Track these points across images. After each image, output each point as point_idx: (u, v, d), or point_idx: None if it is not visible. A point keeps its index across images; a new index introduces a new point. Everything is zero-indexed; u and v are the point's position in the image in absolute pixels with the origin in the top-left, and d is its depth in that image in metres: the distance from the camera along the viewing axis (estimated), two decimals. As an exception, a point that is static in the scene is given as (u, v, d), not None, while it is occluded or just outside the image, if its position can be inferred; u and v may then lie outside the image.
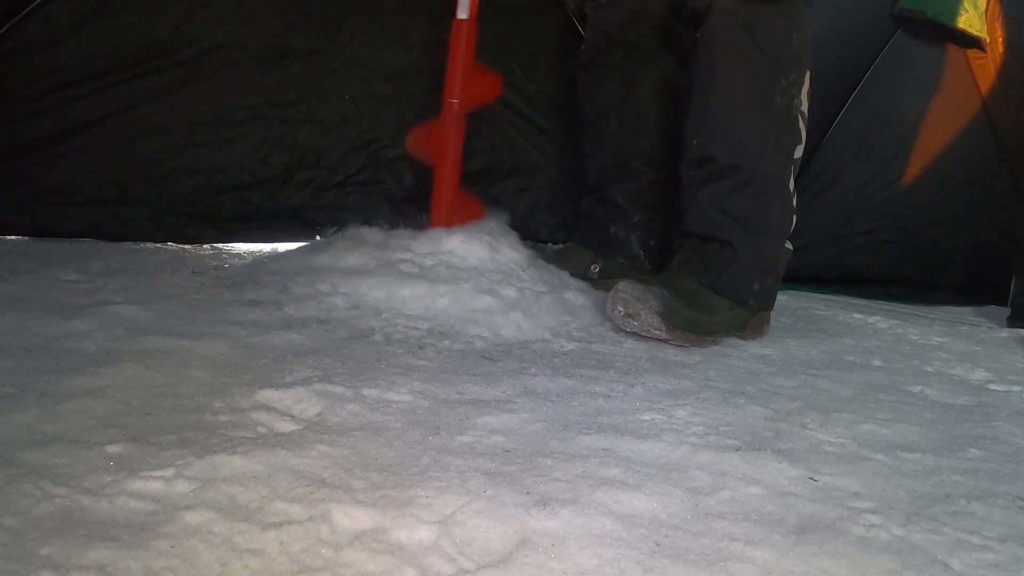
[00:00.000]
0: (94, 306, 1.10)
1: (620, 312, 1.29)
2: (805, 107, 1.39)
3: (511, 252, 1.41)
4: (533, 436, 0.81)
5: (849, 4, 2.17)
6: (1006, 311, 2.02)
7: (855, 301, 2.08)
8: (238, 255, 1.52)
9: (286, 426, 0.77)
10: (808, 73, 1.39)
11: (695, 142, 1.37)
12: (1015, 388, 1.27)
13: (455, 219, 1.44)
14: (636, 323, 1.27)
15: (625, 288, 1.30)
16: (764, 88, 1.34)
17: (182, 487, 0.63)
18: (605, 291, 1.39)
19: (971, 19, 2.15)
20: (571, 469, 0.74)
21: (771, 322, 1.48)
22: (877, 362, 1.35)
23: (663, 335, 1.27)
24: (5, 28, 1.53)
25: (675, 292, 1.30)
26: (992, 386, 1.28)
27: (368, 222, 1.48)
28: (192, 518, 0.59)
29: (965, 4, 2.13)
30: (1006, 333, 1.80)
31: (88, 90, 1.60)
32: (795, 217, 1.41)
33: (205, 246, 1.64)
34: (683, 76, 1.48)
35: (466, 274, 1.30)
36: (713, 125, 1.36)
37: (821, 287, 2.17)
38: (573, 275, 1.62)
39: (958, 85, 2.26)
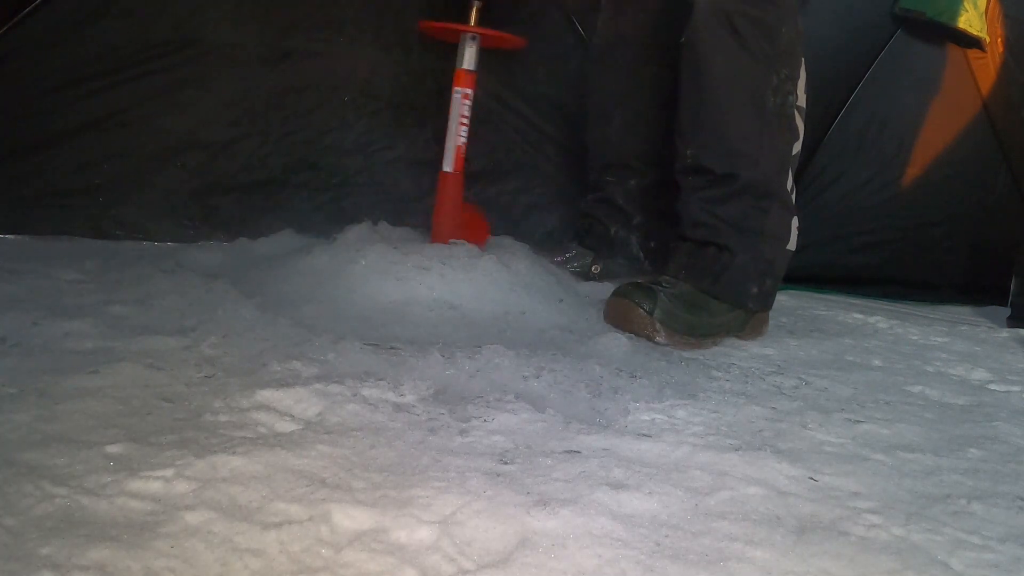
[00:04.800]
0: (94, 306, 1.10)
1: (619, 319, 1.29)
2: (802, 101, 1.36)
3: (517, 261, 1.40)
4: (533, 436, 0.81)
5: (849, 4, 2.17)
6: (1006, 311, 2.02)
7: (855, 301, 2.09)
8: (238, 256, 1.51)
9: (286, 426, 0.77)
10: (802, 65, 1.35)
11: (688, 152, 1.35)
12: (1015, 388, 1.27)
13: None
14: (635, 329, 1.27)
15: (623, 294, 1.30)
16: (755, 90, 1.31)
17: (182, 487, 0.63)
18: (606, 292, 1.39)
19: (971, 19, 2.15)
20: (571, 469, 0.74)
21: (771, 322, 1.48)
22: (877, 362, 1.35)
23: (663, 340, 1.27)
24: (5, 28, 1.53)
25: (673, 297, 1.30)
26: (992, 386, 1.28)
27: (368, 223, 1.48)
28: (192, 518, 0.59)
29: (965, 4, 2.13)
30: (1006, 333, 1.80)
31: (88, 90, 1.60)
32: (795, 217, 1.40)
33: (205, 246, 1.64)
34: None
35: (468, 278, 1.30)
36: (705, 134, 1.34)
37: (821, 287, 2.17)
38: (574, 276, 1.63)
39: (958, 85, 2.26)
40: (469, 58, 1.48)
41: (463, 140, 1.48)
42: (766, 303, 1.41)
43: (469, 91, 1.48)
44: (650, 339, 1.27)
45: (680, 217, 1.40)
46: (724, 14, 1.29)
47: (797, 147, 1.37)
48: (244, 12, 1.70)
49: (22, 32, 1.55)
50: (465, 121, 1.48)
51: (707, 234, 1.36)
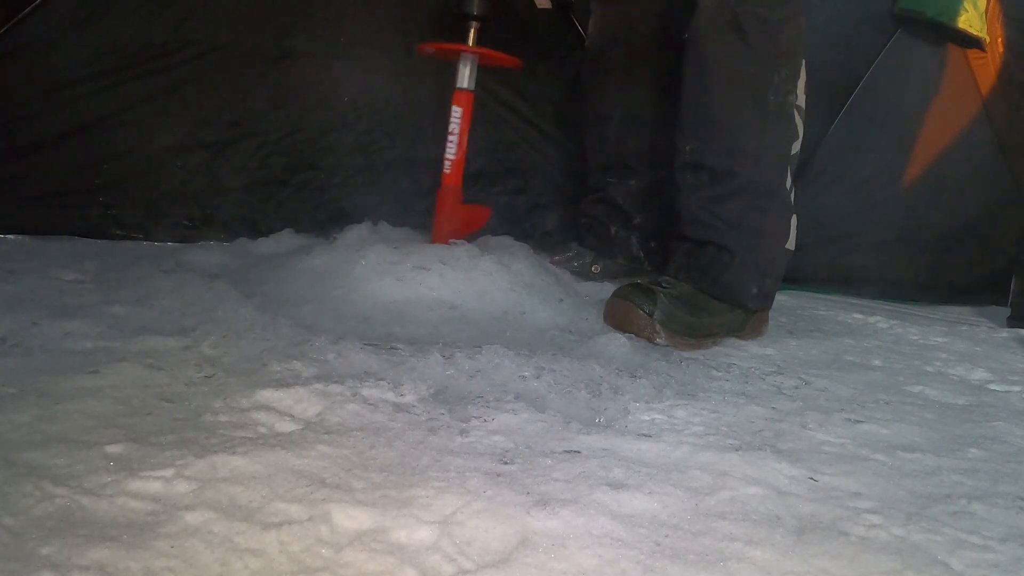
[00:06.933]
0: (94, 306, 1.10)
1: (620, 320, 1.28)
2: (802, 101, 1.36)
3: (517, 261, 1.40)
4: (533, 436, 0.81)
5: (849, 4, 2.17)
6: (1006, 311, 2.02)
7: (855, 301, 2.09)
8: (238, 256, 1.51)
9: (286, 426, 0.77)
10: (803, 65, 1.35)
11: (688, 148, 1.35)
12: (1015, 388, 1.27)
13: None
14: (636, 331, 1.27)
15: (623, 296, 1.30)
16: (757, 88, 1.31)
17: (182, 487, 0.63)
18: (606, 292, 1.39)
19: (971, 19, 2.15)
20: (571, 469, 0.74)
21: (771, 322, 1.48)
22: (877, 362, 1.35)
23: (664, 342, 1.27)
24: (5, 28, 1.53)
25: (672, 298, 1.30)
26: (992, 386, 1.28)
27: (368, 223, 1.48)
28: (192, 518, 0.59)
29: (965, 4, 2.13)
30: (1006, 333, 1.80)
31: (88, 90, 1.61)
32: (794, 216, 1.39)
33: (205, 246, 1.64)
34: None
35: (468, 278, 1.30)
36: (706, 131, 1.34)
37: (821, 287, 2.17)
38: (574, 276, 1.63)
39: (958, 85, 2.25)
40: (467, 77, 1.49)
41: (462, 154, 1.50)
42: (766, 302, 1.41)
43: (467, 110, 1.49)
44: (650, 340, 1.27)
45: (679, 215, 1.40)
46: (730, 11, 1.28)
47: (796, 147, 1.37)
48: (244, 12, 1.70)
49: (22, 32, 1.55)
50: (464, 138, 1.49)
51: (706, 233, 1.36)
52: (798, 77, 1.35)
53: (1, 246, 1.50)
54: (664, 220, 1.63)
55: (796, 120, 1.36)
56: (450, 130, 1.50)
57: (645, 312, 1.27)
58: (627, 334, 1.26)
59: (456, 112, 1.50)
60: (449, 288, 1.27)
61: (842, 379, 1.19)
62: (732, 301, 1.35)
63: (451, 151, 1.50)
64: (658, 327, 1.27)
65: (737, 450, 0.82)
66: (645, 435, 0.85)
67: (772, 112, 1.32)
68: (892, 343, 1.54)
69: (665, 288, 1.31)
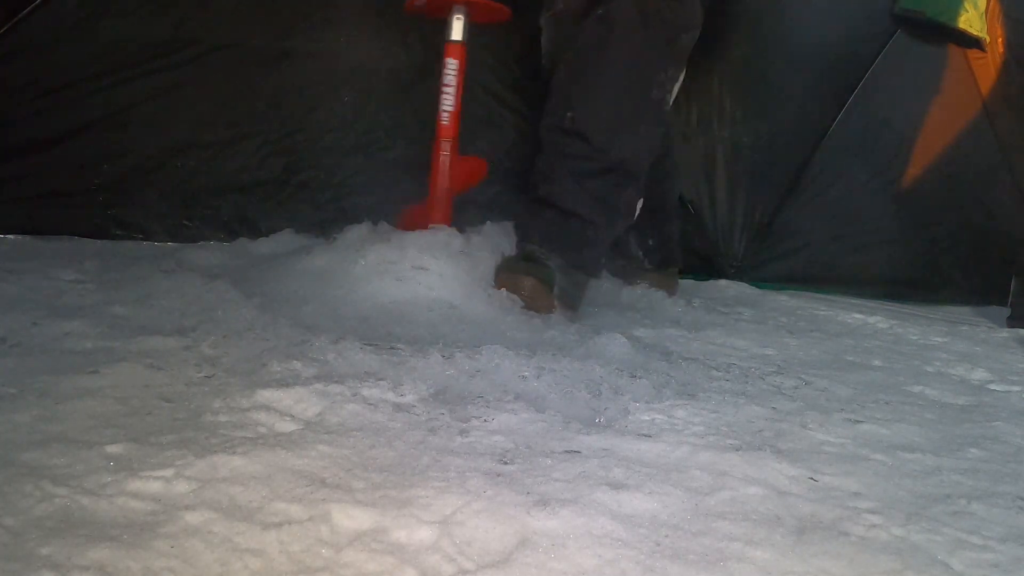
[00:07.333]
0: (94, 306, 1.10)
1: (524, 296, 1.32)
2: (670, 102, 1.46)
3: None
4: (533, 436, 0.81)
5: (849, 4, 2.17)
6: (1006, 311, 2.02)
7: (855, 301, 2.09)
8: (238, 256, 1.52)
9: (286, 426, 0.77)
10: (684, 73, 1.45)
11: (569, 115, 1.40)
12: (1015, 388, 1.27)
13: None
14: (537, 307, 1.31)
15: (523, 271, 1.33)
16: (645, 79, 1.39)
17: (182, 487, 0.63)
18: (605, 293, 1.40)
19: (971, 19, 2.15)
20: (571, 469, 0.74)
21: (770, 322, 1.48)
22: (877, 362, 1.35)
23: (558, 316, 1.31)
24: (5, 28, 1.53)
25: (559, 270, 1.34)
26: (992, 386, 1.28)
27: (368, 223, 1.48)
28: (192, 518, 0.59)
29: (965, 4, 2.13)
30: (1006, 333, 1.80)
31: (88, 90, 1.61)
32: (641, 200, 1.48)
33: (205, 246, 1.64)
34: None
35: (468, 279, 1.30)
36: (591, 104, 1.39)
37: (821, 287, 2.17)
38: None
39: (958, 85, 2.25)
40: (459, 30, 1.50)
41: (458, 106, 1.50)
42: (600, 274, 1.52)
43: (460, 62, 1.50)
44: (548, 313, 1.31)
45: (542, 175, 1.43)
46: (643, 4, 1.36)
47: (662, 142, 1.49)
48: (244, 12, 1.70)
49: (22, 32, 1.55)
50: (459, 90, 1.50)
51: (574, 205, 1.39)
52: (678, 80, 1.45)
53: (1, 246, 1.50)
54: (662, 218, 1.65)
55: (665, 118, 1.47)
56: (446, 83, 1.50)
57: (547, 287, 1.32)
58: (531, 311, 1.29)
59: (451, 64, 1.50)
60: (448, 288, 1.27)
61: (842, 379, 1.19)
62: (588, 273, 1.43)
63: (448, 103, 1.50)
64: (556, 302, 1.32)
65: (737, 450, 0.82)
66: (645, 435, 0.85)
67: (652, 104, 1.42)
68: (892, 343, 1.55)
69: (548, 262, 1.35)
